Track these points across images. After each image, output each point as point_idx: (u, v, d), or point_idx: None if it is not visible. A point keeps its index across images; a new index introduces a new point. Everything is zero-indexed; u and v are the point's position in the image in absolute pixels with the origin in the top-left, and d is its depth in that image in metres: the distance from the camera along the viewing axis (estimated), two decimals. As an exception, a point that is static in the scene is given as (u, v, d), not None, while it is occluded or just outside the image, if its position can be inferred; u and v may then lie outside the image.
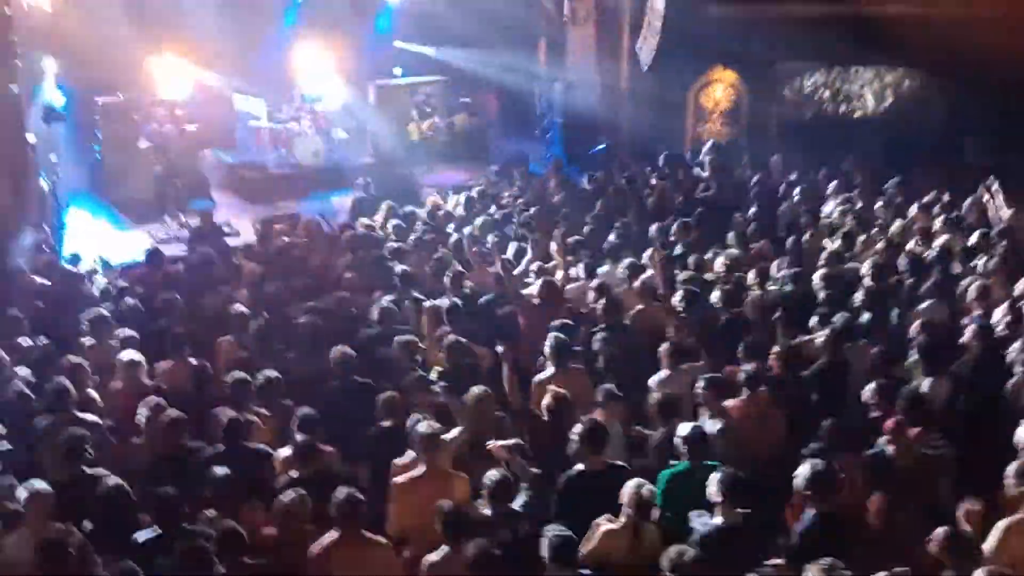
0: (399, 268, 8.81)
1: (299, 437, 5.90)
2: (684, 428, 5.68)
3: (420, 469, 5.59)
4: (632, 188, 12.21)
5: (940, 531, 4.76)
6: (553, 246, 9.26)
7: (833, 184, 11.59)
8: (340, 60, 16.55)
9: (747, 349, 6.83)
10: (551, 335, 6.88)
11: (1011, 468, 5.21)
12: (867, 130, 14.75)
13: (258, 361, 7.22)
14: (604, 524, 5.09)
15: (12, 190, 11.21)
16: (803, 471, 5.15)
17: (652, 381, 6.74)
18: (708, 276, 8.65)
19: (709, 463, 5.53)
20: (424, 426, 5.63)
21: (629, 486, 5.09)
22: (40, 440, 6.21)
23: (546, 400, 6.11)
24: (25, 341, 7.61)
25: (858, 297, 7.79)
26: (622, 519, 5.07)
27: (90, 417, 6.43)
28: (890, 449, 5.66)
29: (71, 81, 14.40)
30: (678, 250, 9.38)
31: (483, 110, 17.56)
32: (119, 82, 14.93)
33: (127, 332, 7.61)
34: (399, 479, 5.59)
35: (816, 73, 15.42)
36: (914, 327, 7.16)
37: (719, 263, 8.77)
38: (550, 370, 6.78)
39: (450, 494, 5.34)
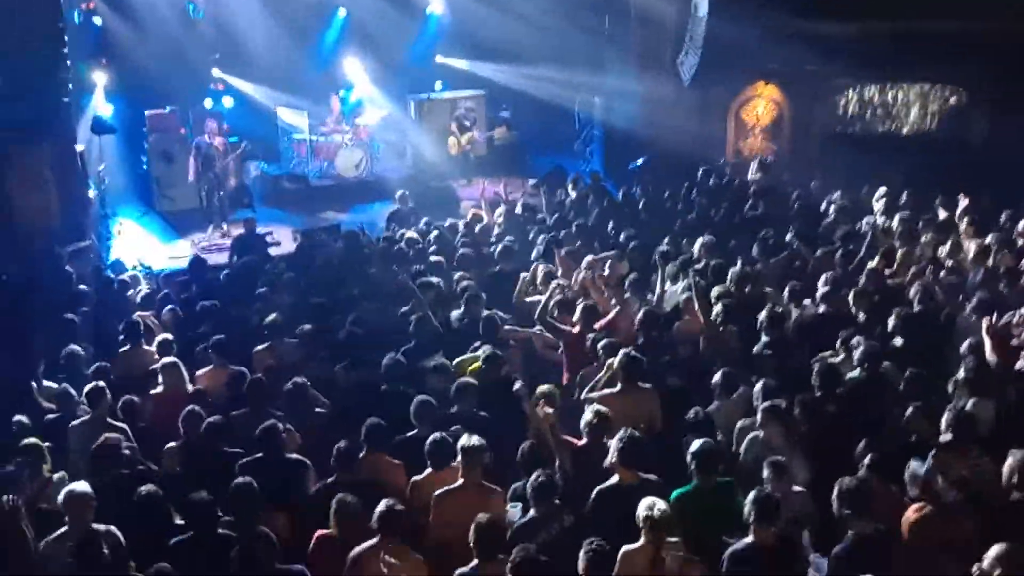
0: (433, 280, 8.80)
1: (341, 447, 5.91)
2: (695, 444, 5.56)
3: (459, 481, 5.62)
4: (670, 203, 12.16)
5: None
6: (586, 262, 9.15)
7: (881, 202, 11.38)
8: (382, 74, 16.75)
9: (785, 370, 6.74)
10: (622, 352, 6.72)
11: None
12: (911, 146, 14.55)
13: (296, 369, 7.30)
14: (625, 547, 4.98)
15: (61, 199, 11.51)
16: (836, 489, 5.06)
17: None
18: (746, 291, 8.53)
19: (720, 480, 5.47)
20: (465, 439, 5.64)
21: (641, 507, 4.97)
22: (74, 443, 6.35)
23: (586, 416, 5.98)
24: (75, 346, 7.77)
25: (896, 317, 7.64)
26: (640, 540, 4.96)
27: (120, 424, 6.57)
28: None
29: (121, 93, 14.74)
30: (715, 264, 9.26)
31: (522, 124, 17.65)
32: (166, 94, 15.24)
33: (165, 337, 7.73)
34: (438, 491, 5.61)
35: (860, 88, 15.25)
36: (963, 347, 7.02)
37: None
38: (617, 386, 6.59)
39: (486, 507, 5.33)
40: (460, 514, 5.24)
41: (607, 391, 6.59)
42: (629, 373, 6.56)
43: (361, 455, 5.95)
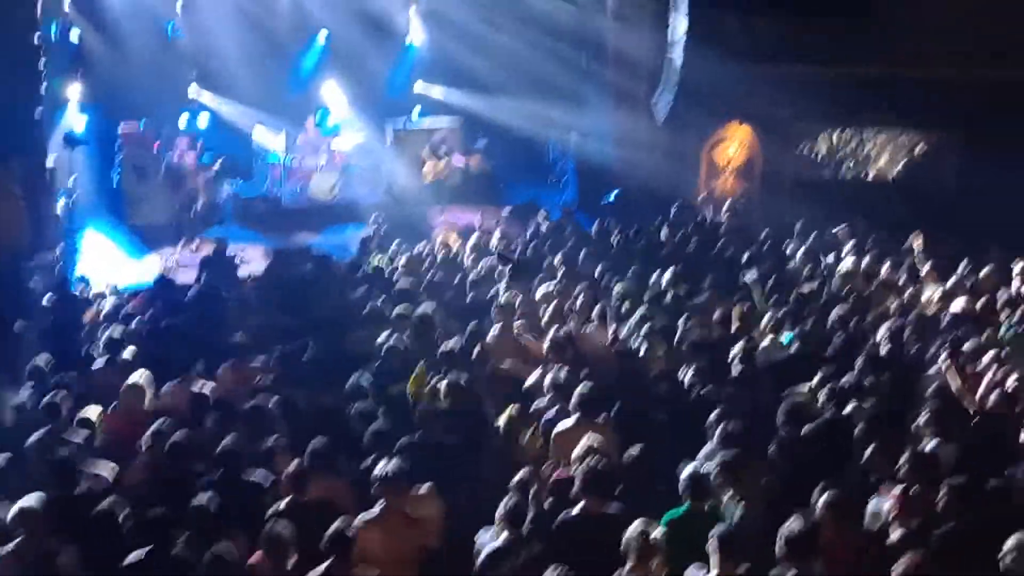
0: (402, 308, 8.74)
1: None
2: (687, 469, 5.57)
3: (376, 511, 5.47)
4: (642, 238, 12.25)
5: None
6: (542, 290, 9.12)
7: (849, 244, 11.54)
8: (360, 98, 16.80)
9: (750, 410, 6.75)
10: (580, 384, 6.67)
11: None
12: (881, 191, 14.80)
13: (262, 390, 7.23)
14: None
15: (30, 212, 11.38)
16: (781, 532, 4.96)
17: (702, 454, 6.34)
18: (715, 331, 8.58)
19: (711, 505, 5.45)
20: (381, 466, 5.51)
21: (632, 531, 4.94)
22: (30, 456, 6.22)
23: (577, 451, 5.89)
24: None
25: (862, 358, 7.71)
26: (628, 565, 4.91)
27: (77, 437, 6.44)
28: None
29: (93, 107, 14.63)
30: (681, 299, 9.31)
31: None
32: (141, 110, 15.16)
33: (128, 356, 7.63)
34: (356, 523, 5.40)
35: (832, 132, 15.52)
36: (929, 390, 7.07)
37: (734, 315, 8.72)
38: (572, 420, 6.51)
39: (409, 538, 5.25)
40: (382, 546, 5.14)
41: (563, 426, 6.52)
42: (584, 407, 6.52)
43: (309, 478, 5.83)
